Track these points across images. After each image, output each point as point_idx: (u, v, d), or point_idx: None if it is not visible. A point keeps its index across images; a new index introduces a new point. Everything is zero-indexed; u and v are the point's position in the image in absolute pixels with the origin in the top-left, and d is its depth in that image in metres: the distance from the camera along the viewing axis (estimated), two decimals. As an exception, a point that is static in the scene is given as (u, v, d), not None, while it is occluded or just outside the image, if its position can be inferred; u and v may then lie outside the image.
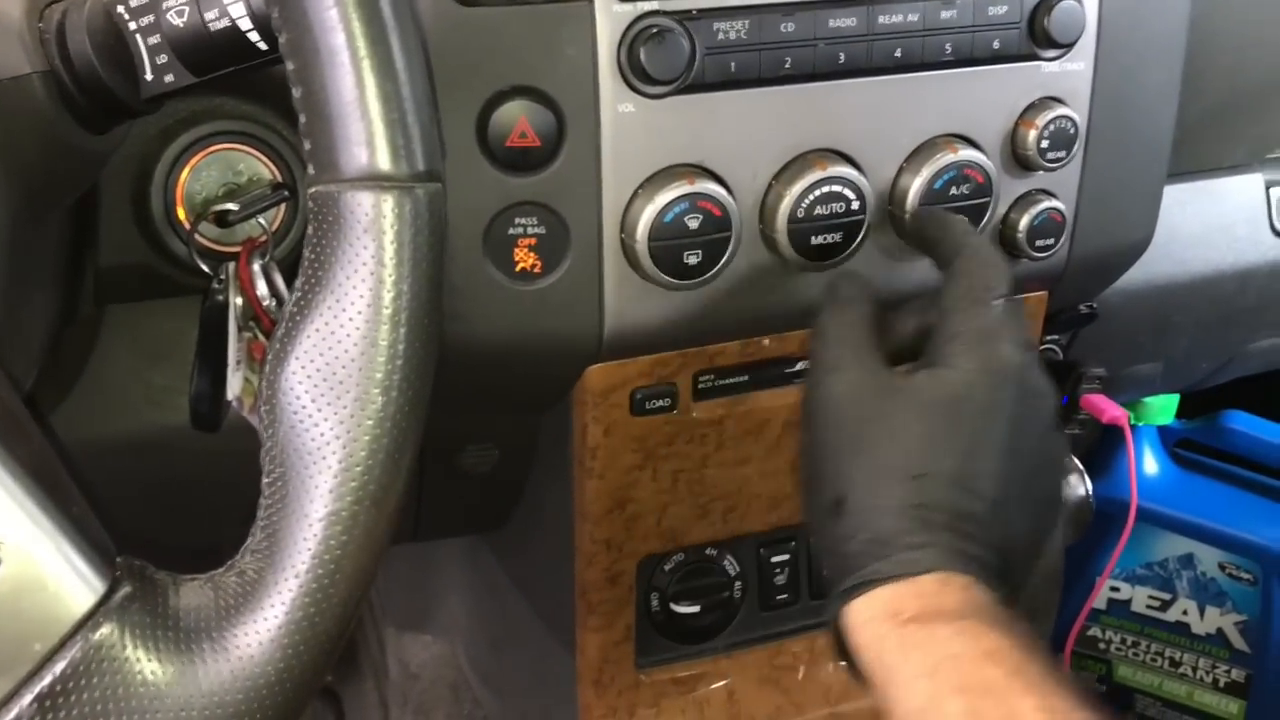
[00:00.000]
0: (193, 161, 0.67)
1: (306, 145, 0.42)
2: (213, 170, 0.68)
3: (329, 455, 0.39)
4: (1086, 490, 0.85)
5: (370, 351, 0.40)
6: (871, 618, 0.55)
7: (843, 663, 0.59)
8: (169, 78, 0.50)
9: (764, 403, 0.80)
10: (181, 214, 0.68)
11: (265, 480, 0.41)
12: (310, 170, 0.42)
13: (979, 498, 0.57)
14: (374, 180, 0.41)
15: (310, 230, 0.42)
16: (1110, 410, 0.89)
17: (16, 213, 0.49)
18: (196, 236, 0.68)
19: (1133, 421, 1.30)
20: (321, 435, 0.39)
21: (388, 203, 0.41)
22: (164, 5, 0.48)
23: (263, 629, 0.39)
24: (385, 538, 0.41)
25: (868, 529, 0.57)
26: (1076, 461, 0.87)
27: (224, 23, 0.48)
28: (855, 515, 0.58)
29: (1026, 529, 0.60)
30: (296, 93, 0.41)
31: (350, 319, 0.40)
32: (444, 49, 0.63)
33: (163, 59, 0.50)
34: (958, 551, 0.55)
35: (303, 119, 0.41)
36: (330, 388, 0.40)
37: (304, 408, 0.40)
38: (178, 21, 0.48)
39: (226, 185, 0.68)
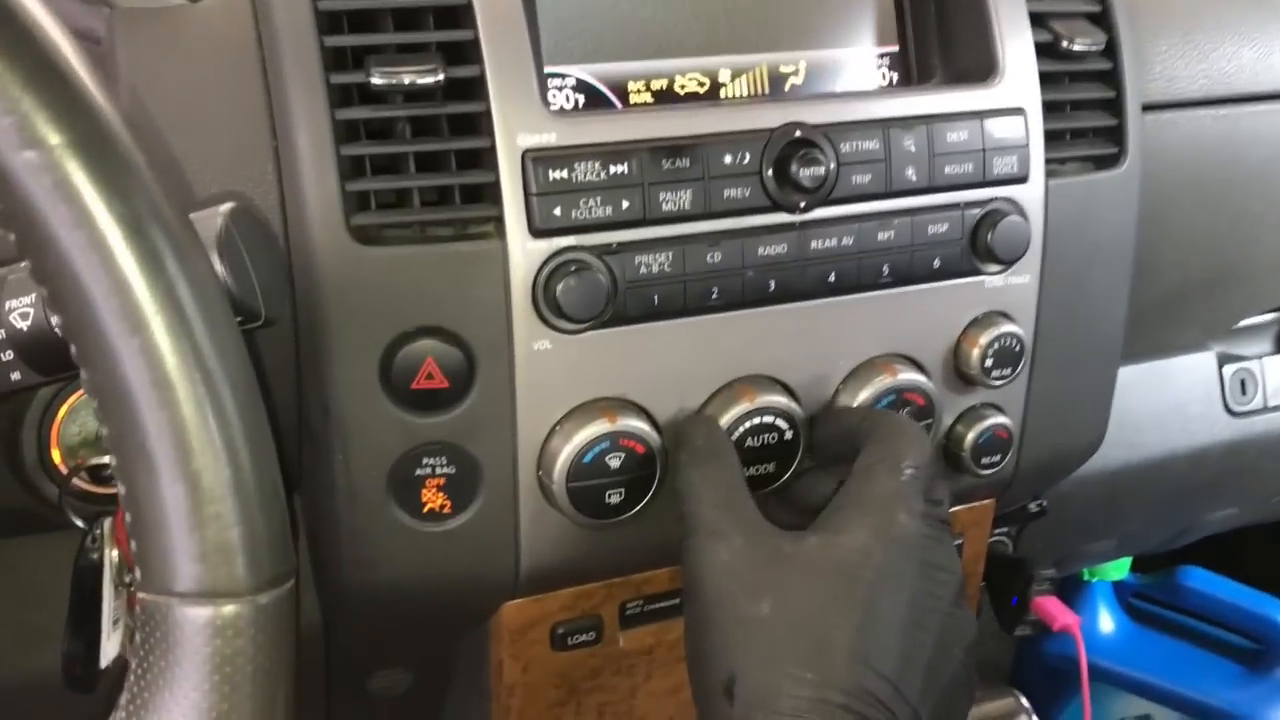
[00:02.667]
0: (69, 400, 0.62)
1: (133, 545, 0.36)
2: (90, 410, 0.62)
3: None
4: (1035, 731, 0.80)
5: (198, 798, 0.34)
6: None
7: None
8: (15, 375, 0.45)
9: (696, 625, 0.75)
10: (56, 457, 0.62)
11: None
12: (138, 574, 0.37)
13: (878, 675, 0.53)
14: (209, 597, 0.36)
15: (138, 639, 0.36)
16: (1062, 617, 0.85)
17: None
18: (73, 482, 0.62)
19: (1086, 577, 1.26)
20: None
21: (224, 619, 0.36)
22: (7, 307, 0.43)
23: None
24: None
25: (761, 711, 0.53)
26: (1024, 700, 0.83)
27: (71, 327, 0.43)
28: (747, 698, 0.54)
29: (934, 711, 0.55)
30: (121, 489, 0.36)
31: (178, 755, 0.35)
32: (343, 289, 0.59)
33: (8, 356, 0.45)
34: None
35: (128, 517, 0.36)
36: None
37: None
38: (22, 325, 0.43)
39: (107, 424, 0.63)
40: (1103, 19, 0.74)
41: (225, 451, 0.36)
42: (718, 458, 0.62)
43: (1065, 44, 0.72)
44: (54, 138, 0.34)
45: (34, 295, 0.43)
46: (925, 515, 0.59)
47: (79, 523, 0.61)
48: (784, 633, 0.55)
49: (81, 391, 0.62)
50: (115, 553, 0.61)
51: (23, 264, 0.41)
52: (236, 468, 0.36)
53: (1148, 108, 0.79)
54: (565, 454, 0.63)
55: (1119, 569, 1.27)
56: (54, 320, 0.40)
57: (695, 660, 0.58)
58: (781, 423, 0.67)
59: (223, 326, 0.36)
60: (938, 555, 0.59)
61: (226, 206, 0.44)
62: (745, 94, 0.68)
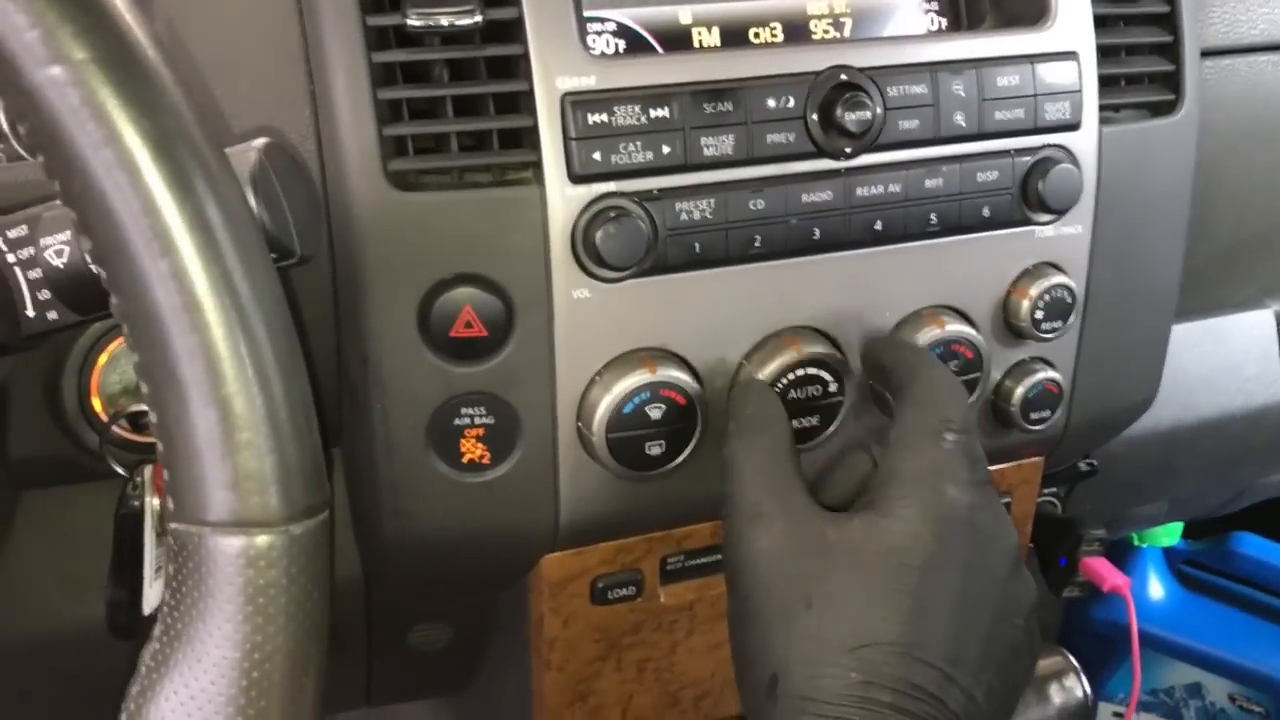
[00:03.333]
0: (109, 348, 0.62)
1: (165, 476, 0.36)
2: (130, 359, 0.62)
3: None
4: (1085, 692, 0.78)
5: (236, 720, 0.34)
6: None
7: None
8: (52, 315, 0.45)
9: (738, 581, 0.74)
10: (97, 405, 0.62)
11: None
12: (170, 504, 0.36)
13: (929, 665, 0.51)
14: (241, 526, 0.35)
15: (171, 570, 0.36)
16: (1112, 578, 0.83)
17: None
18: (113, 430, 0.62)
19: (1137, 543, 1.24)
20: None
21: (257, 549, 0.35)
22: (42, 244, 0.43)
23: None
24: None
25: (807, 712, 0.50)
26: (1073, 659, 0.81)
27: (106, 263, 0.42)
28: (793, 697, 0.51)
29: (990, 687, 0.53)
30: (152, 418, 0.36)
31: (213, 683, 0.34)
32: (381, 235, 0.58)
33: (44, 295, 0.44)
34: None
35: (160, 447, 0.36)
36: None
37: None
38: (58, 262, 0.43)
39: (147, 372, 0.63)
40: (1160, -41, 0.72)
41: (257, 378, 0.35)
42: (767, 429, 0.60)
43: (1121, -15, 0.70)
44: (79, 53, 0.33)
45: (69, 232, 0.43)
46: (971, 482, 0.55)
47: (120, 470, 0.61)
48: (828, 630, 0.52)
49: (121, 339, 0.62)
50: (156, 500, 0.60)
51: (57, 200, 0.40)
52: (269, 395, 0.36)
53: (1206, 53, 0.76)
54: (605, 404, 0.62)
55: (1169, 534, 1.25)
56: (86, 249, 0.40)
57: (739, 655, 0.56)
58: (826, 375, 0.66)
59: (255, 252, 0.36)
60: (989, 523, 0.56)
61: (260, 141, 0.43)
62: (788, 37, 0.66)
